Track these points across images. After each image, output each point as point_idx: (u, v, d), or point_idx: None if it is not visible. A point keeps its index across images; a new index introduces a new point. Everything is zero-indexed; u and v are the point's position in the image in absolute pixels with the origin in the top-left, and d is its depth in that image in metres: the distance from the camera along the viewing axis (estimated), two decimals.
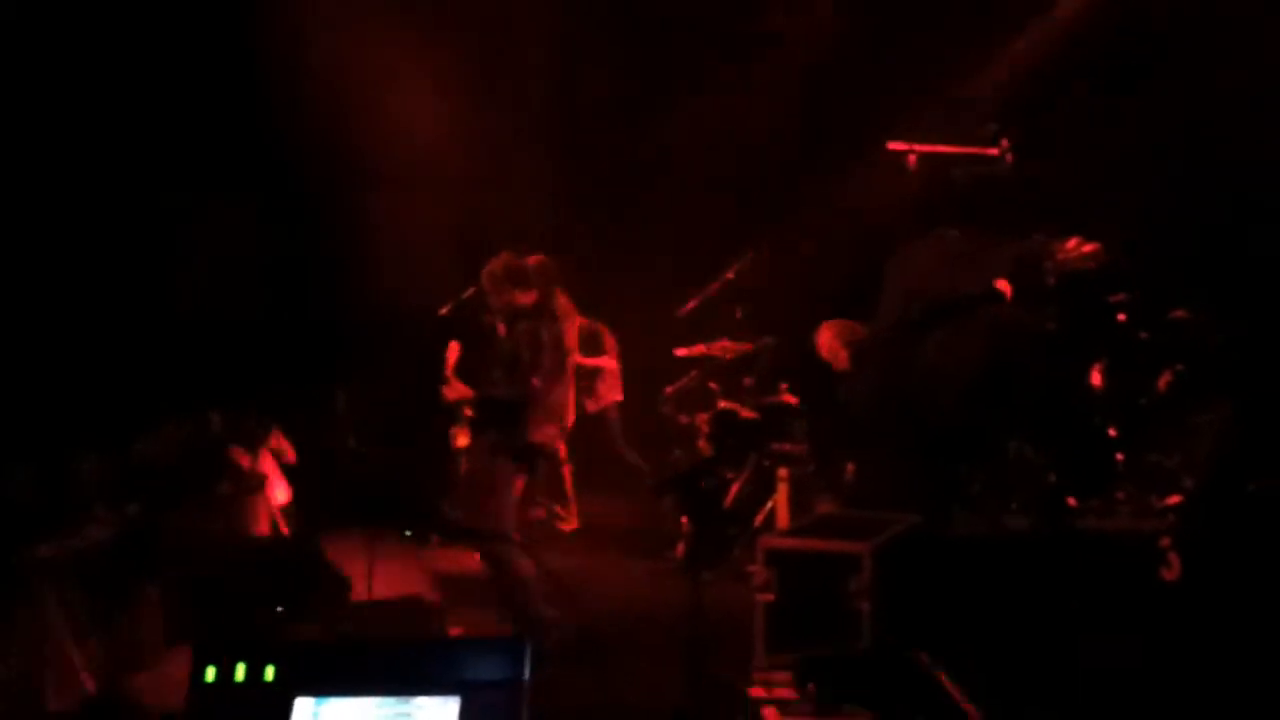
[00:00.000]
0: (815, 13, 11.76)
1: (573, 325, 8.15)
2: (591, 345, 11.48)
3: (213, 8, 10.37)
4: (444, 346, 8.30)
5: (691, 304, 10.65)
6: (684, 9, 11.87)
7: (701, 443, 10.21)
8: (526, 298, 7.74)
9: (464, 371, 7.94)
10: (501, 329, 7.85)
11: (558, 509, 11.14)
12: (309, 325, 11.40)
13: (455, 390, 7.84)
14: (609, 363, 11.63)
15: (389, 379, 11.13)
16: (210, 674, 3.40)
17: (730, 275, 10.54)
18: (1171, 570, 6.51)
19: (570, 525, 11.19)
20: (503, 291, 7.74)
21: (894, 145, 8.93)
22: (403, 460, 10.77)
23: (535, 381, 7.56)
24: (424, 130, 11.43)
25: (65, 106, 9.56)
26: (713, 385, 10.58)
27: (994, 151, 8.58)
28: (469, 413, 7.91)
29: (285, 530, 9.28)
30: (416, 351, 9.11)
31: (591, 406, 11.54)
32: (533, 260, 7.96)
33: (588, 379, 11.49)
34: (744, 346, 10.39)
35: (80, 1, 9.66)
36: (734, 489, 9.87)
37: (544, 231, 10.48)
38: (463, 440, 8.03)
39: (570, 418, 9.41)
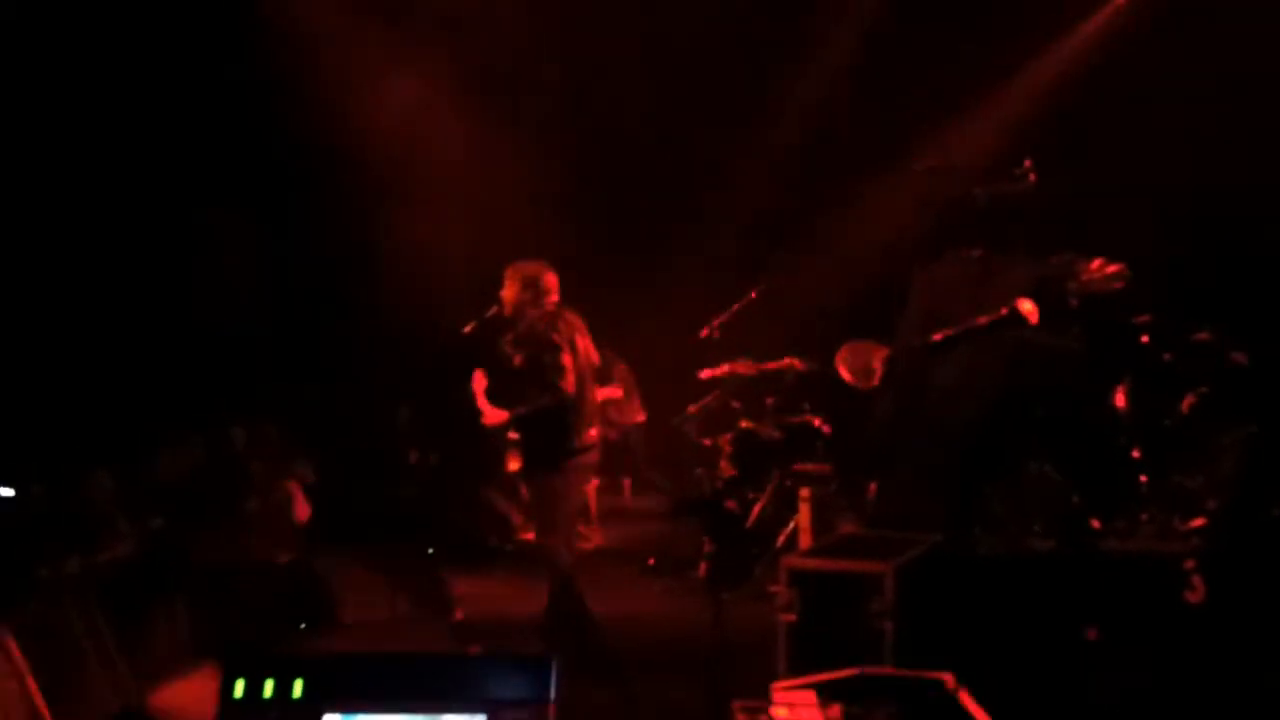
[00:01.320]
0: (840, 34, 11.77)
1: (585, 335, 8.21)
2: (602, 374, 11.51)
3: (230, 23, 10.41)
4: (465, 365, 8.28)
5: (715, 324, 10.65)
6: (707, 31, 11.88)
7: (724, 462, 10.21)
8: (540, 302, 7.79)
9: (493, 393, 7.95)
10: (508, 338, 7.88)
11: (580, 527, 11.13)
12: (329, 339, 11.44)
13: (492, 416, 7.85)
14: (619, 391, 11.67)
15: (410, 395, 11.16)
16: (239, 689, 3.42)
17: (754, 295, 10.54)
18: (1195, 593, 6.50)
19: (592, 543, 11.19)
20: (517, 289, 7.80)
21: (917, 165, 8.95)
22: (428, 477, 10.81)
23: (568, 386, 7.60)
24: (445, 147, 11.47)
25: (87, 123, 9.61)
26: (735, 405, 10.58)
27: (1017, 171, 8.58)
28: (513, 435, 7.91)
29: (306, 547, 9.29)
30: (438, 368, 9.12)
31: (614, 435, 11.56)
32: (544, 270, 7.98)
33: (604, 409, 11.54)
34: (766, 366, 10.39)
35: (99, 16, 9.70)
36: (756, 509, 9.87)
37: (564, 248, 10.50)
38: (514, 464, 8.03)
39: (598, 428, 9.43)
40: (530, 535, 9.75)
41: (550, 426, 7.67)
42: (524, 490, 8.15)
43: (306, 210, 11.46)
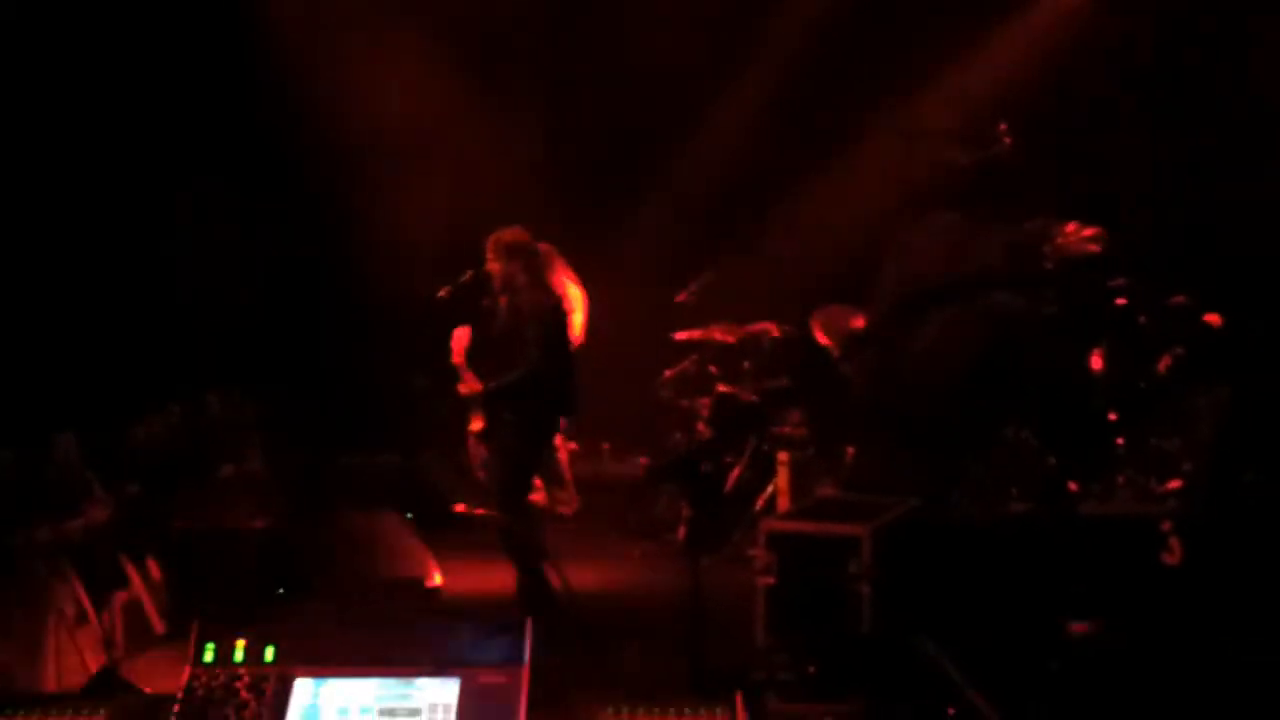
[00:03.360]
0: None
1: (570, 302, 8.17)
2: None
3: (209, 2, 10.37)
4: (441, 331, 8.23)
5: (691, 289, 10.61)
6: None
7: (701, 426, 10.20)
8: (526, 272, 7.74)
9: (474, 357, 7.92)
10: (503, 301, 7.84)
11: (556, 492, 11.11)
12: (303, 308, 11.38)
13: (469, 385, 7.84)
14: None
15: (383, 363, 11.14)
16: (210, 653, 3.40)
17: (729, 259, 10.52)
18: (1173, 554, 6.52)
19: (570, 508, 11.16)
20: (504, 262, 7.74)
21: (890, 125, 8.94)
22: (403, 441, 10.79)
23: (541, 360, 7.57)
24: (417, 115, 11.41)
25: (67, 98, 9.54)
26: (712, 369, 10.56)
27: (991, 135, 8.57)
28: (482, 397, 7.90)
29: (283, 513, 9.26)
30: (410, 335, 9.09)
31: None
32: (525, 236, 7.92)
33: None
34: (743, 330, 10.37)
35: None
36: (734, 473, 9.87)
37: (539, 213, 10.45)
38: (477, 424, 8.00)
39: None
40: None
41: (519, 395, 7.65)
42: (485, 450, 8.11)
43: (287, 179, 11.40)
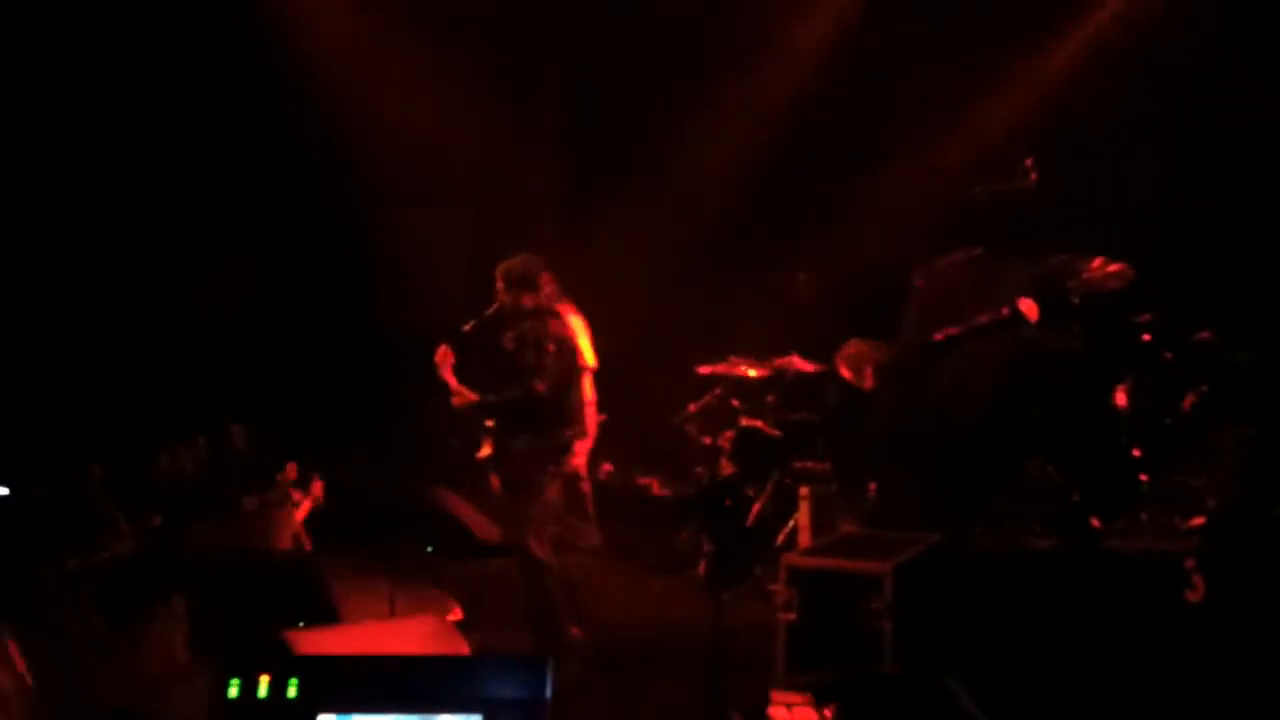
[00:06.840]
0: (846, 25, 11.70)
1: (583, 334, 8.16)
2: None
3: (232, 21, 10.41)
4: (464, 363, 8.24)
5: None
6: (710, 18, 11.84)
7: (724, 461, 10.18)
8: (532, 300, 7.77)
9: (472, 380, 7.95)
10: (514, 330, 7.87)
11: (577, 524, 11.06)
12: (326, 339, 11.40)
13: (461, 397, 7.84)
14: None
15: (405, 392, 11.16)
16: (234, 689, 3.42)
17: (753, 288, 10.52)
18: (1196, 592, 6.49)
19: (589, 541, 11.12)
20: (513, 292, 7.78)
21: (918, 162, 8.94)
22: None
23: (541, 384, 7.59)
24: (445, 145, 11.45)
25: (87, 120, 9.60)
26: (735, 403, 10.55)
27: (1018, 170, 8.58)
28: (490, 423, 7.91)
29: (308, 545, 9.28)
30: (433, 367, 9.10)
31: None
32: (533, 263, 7.95)
33: None
34: (766, 364, 10.36)
35: (103, 14, 9.70)
36: (756, 508, 9.85)
37: (558, 244, 10.47)
38: (486, 450, 8.01)
39: (591, 427, 9.38)
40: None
41: (524, 421, 7.67)
42: (494, 480, 8.12)
43: (312, 212, 11.44)
